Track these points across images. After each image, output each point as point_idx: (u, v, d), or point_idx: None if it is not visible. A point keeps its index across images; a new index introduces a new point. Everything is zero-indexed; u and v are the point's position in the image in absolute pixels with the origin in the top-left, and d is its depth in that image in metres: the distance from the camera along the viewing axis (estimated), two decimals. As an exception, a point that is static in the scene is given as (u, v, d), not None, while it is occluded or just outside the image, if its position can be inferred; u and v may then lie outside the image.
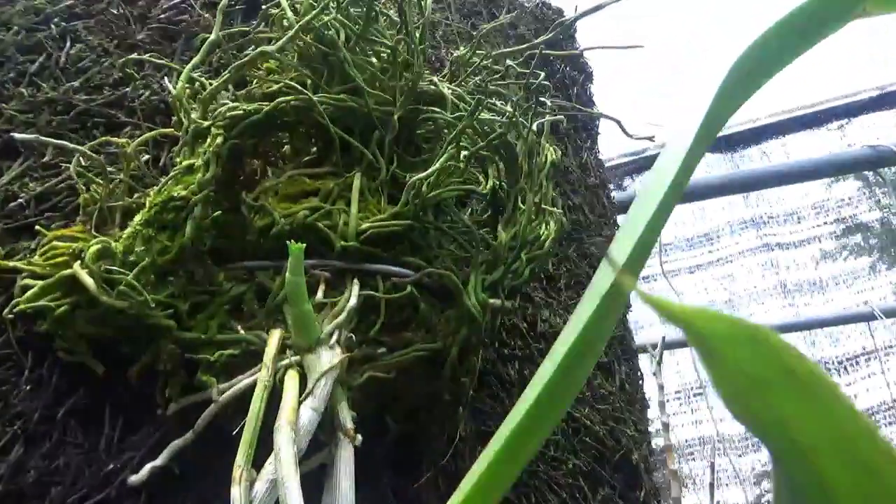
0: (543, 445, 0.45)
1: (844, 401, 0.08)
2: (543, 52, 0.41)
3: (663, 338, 1.34)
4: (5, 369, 0.33)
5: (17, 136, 0.35)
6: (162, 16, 0.47)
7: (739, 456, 2.83)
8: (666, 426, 1.10)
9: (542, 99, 0.42)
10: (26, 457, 0.32)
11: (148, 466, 0.33)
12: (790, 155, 2.59)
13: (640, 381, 0.52)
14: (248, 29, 0.47)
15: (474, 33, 0.60)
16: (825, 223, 2.81)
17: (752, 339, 0.08)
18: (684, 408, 2.88)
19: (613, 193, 0.67)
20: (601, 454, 0.46)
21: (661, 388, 1.13)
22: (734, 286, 3.08)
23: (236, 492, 0.28)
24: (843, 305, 2.73)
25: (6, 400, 0.32)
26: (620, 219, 0.65)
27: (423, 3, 0.43)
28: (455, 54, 0.46)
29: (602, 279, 0.17)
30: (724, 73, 0.21)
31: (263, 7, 0.48)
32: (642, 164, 1.72)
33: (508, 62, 0.44)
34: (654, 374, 1.16)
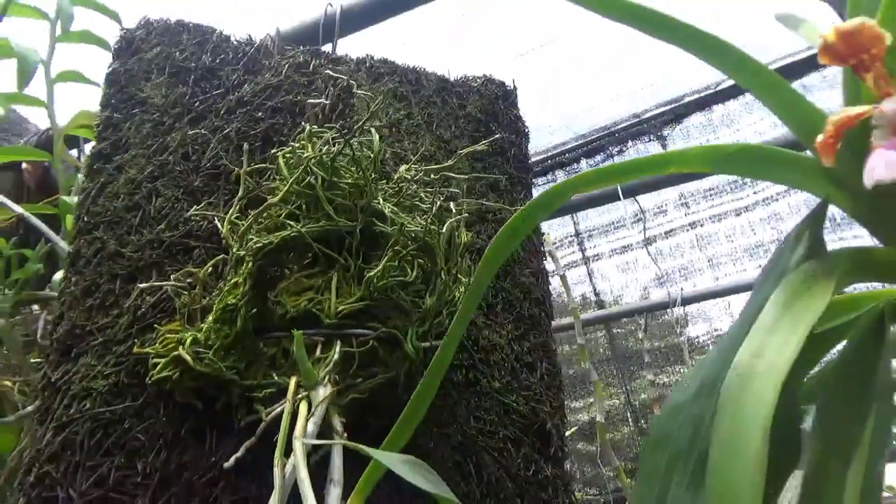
0: (483, 423, 0.69)
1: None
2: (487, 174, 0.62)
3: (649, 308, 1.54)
4: (151, 410, 0.59)
5: (141, 285, 0.60)
6: (208, 164, 0.71)
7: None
8: (652, 383, 1.30)
9: (454, 203, 0.64)
10: (169, 456, 0.58)
11: (234, 457, 0.59)
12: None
13: (558, 373, 0.74)
14: (264, 165, 0.71)
15: (431, 126, 0.82)
16: None
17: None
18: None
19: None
20: (524, 426, 0.70)
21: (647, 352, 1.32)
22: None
23: (277, 472, 0.53)
24: None
25: (154, 428, 0.59)
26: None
27: (373, 145, 0.66)
28: (399, 171, 0.68)
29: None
30: (489, 247, 0.44)
31: (272, 151, 0.71)
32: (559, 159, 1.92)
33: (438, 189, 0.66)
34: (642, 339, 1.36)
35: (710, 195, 3.62)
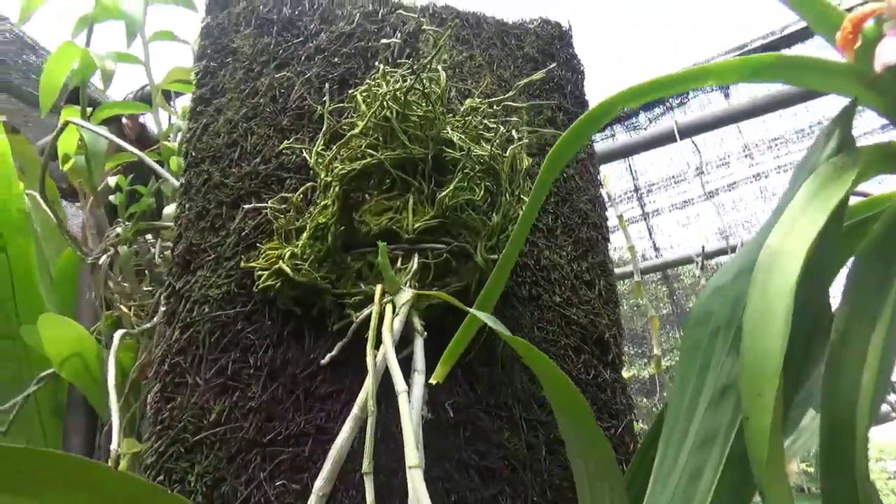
0: (546, 333, 0.76)
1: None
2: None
3: (703, 247, 1.58)
4: (259, 316, 0.69)
5: (245, 206, 0.69)
6: (294, 105, 0.79)
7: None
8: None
9: (519, 131, 0.70)
10: (275, 353, 0.68)
11: (328, 355, 0.68)
12: None
13: (615, 290, 0.80)
14: (342, 105, 0.79)
15: (492, 66, 0.87)
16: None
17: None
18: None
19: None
20: (584, 335, 0.76)
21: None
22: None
23: (370, 360, 0.61)
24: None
25: (261, 330, 0.68)
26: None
27: (440, 81, 0.72)
28: (464, 105, 0.75)
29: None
30: (543, 165, 0.51)
31: (350, 92, 0.79)
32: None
33: (502, 106, 0.72)
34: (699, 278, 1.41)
35: (776, 145, 3.54)
